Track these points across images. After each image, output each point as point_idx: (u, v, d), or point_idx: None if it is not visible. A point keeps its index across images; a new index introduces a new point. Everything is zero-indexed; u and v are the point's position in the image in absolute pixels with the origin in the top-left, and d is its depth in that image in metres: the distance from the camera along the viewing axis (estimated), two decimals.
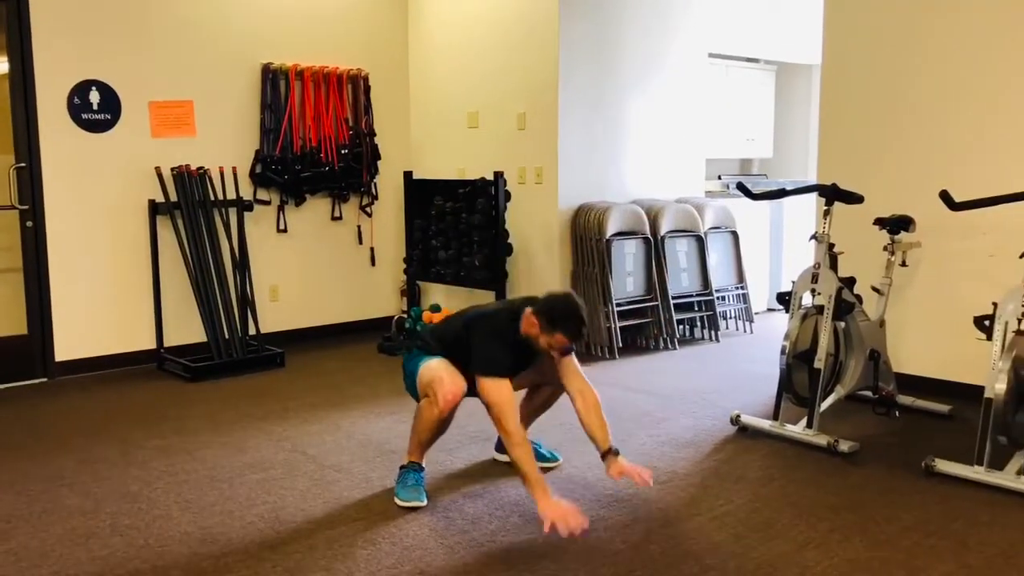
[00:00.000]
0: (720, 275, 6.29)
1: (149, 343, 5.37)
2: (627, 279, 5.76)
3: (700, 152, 6.66)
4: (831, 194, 3.82)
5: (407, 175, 6.16)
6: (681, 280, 6.03)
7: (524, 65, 5.76)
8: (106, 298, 5.22)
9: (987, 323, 3.44)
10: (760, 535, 2.93)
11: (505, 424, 2.94)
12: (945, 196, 3.48)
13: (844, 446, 3.67)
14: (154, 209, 5.28)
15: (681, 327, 6.16)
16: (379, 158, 6.30)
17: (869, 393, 4.21)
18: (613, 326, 5.59)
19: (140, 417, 4.34)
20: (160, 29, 5.30)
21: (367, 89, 6.21)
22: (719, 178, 7.66)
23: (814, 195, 4.20)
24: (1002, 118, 4.25)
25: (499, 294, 5.63)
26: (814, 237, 3.90)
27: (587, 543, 2.86)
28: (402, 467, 3.30)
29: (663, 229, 5.94)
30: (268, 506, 3.20)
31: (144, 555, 2.80)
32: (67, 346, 5.11)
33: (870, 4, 4.70)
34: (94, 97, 5.07)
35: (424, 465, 3.32)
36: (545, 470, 3.50)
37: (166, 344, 5.38)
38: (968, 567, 2.70)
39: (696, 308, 6.16)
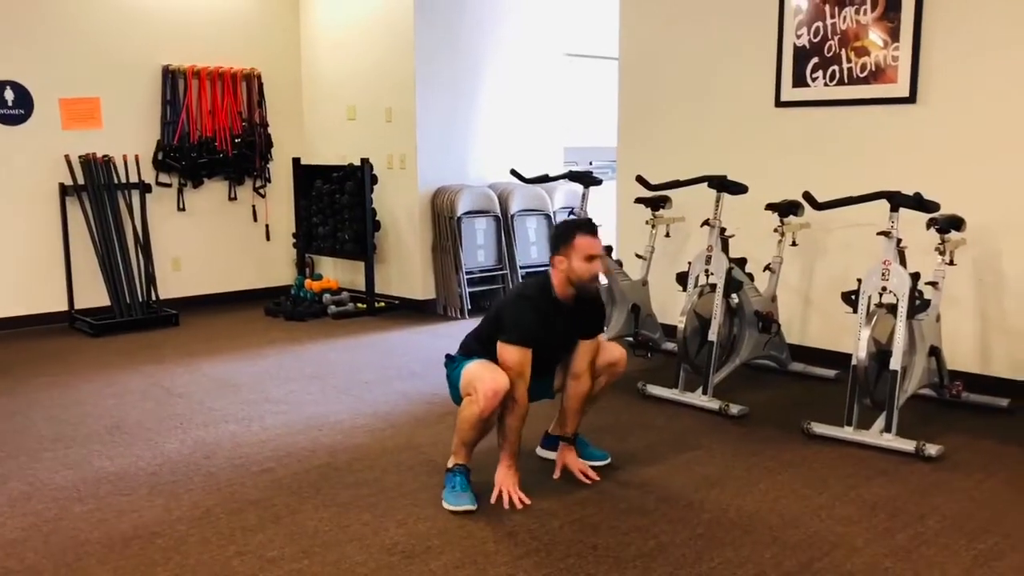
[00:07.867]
0: None
1: (63, 306, 6.29)
2: (478, 251, 6.70)
3: (558, 141, 7.60)
4: (576, 178, 4.76)
5: (295, 161, 7.09)
6: (531, 252, 6.99)
7: (388, 65, 6.67)
8: (23, 268, 6.12)
9: (685, 279, 4.40)
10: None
11: (514, 390, 3.04)
12: (641, 180, 4.41)
13: None
14: (64, 192, 6.19)
15: None
16: (272, 146, 7.21)
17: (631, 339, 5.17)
18: (463, 291, 6.54)
19: (40, 362, 5.27)
20: (69, 34, 6.17)
21: (260, 86, 7.11)
22: (590, 163, 8.60)
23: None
24: (739, 112, 5.20)
25: (368, 264, 6.58)
26: (572, 212, 4.84)
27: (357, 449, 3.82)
28: (448, 470, 3.21)
29: (513, 208, 6.87)
30: (114, 418, 4.15)
31: (7, 449, 3.75)
32: None
33: (657, 10, 5.61)
34: (8, 95, 5.96)
35: (470, 467, 3.19)
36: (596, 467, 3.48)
37: (78, 307, 6.30)
38: (624, 450, 3.66)
39: None
